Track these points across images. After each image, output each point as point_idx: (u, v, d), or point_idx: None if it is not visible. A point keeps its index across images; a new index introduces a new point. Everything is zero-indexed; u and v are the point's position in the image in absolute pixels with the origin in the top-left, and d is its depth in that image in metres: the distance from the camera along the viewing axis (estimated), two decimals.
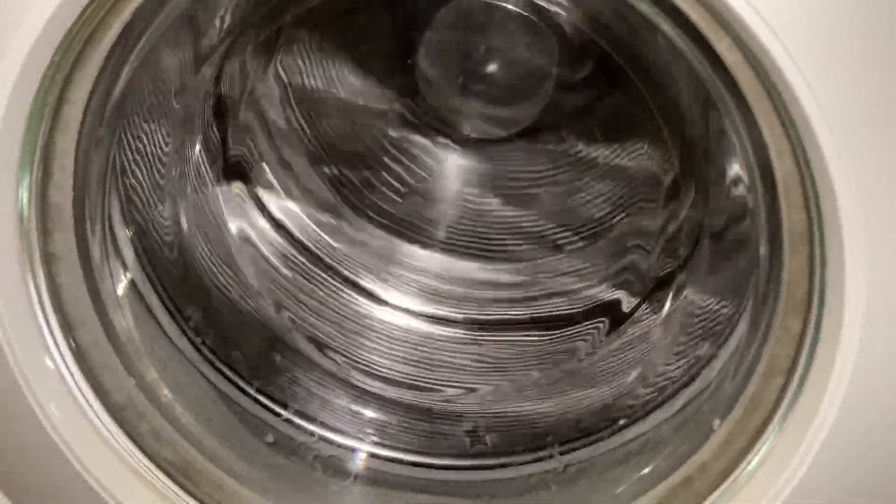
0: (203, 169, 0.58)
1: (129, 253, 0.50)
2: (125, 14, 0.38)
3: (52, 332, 0.43)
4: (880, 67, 0.31)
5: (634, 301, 0.60)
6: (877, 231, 0.33)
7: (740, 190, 0.45)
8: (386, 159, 0.65)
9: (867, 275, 0.34)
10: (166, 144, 0.54)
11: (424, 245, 0.66)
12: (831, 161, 0.32)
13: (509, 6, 0.58)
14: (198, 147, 0.57)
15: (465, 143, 0.65)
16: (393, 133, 0.65)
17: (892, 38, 0.31)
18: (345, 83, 0.63)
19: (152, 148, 0.52)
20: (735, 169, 0.45)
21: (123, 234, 0.50)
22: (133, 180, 0.51)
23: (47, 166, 0.41)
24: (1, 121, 0.37)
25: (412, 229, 0.66)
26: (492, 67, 0.61)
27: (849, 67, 0.31)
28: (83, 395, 0.44)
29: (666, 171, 0.59)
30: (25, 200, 0.40)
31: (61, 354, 0.43)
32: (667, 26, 0.36)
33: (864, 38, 0.31)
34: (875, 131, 0.32)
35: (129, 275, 0.50)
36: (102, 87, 0.41)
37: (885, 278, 0.34)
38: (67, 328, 0.44)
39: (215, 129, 0.58)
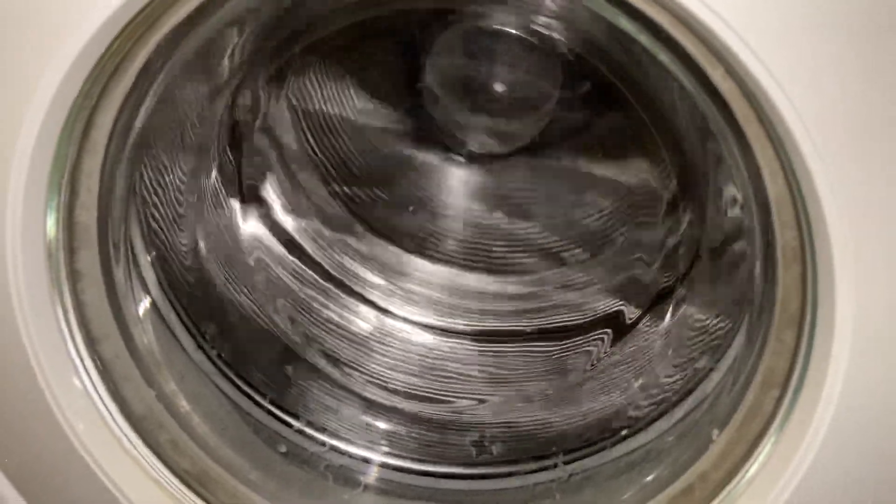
0: (219, 193, 0.60)
1: (149, 274, 0.52)
2: (150, 45, 0.40)
3: (76, 346, 0.45)
4: (864, 92, 0.33)
5: (636, 313, 0.62)
6: (864, 247, 0.35)
7: (736, 210, 0.47)
8: (395, 177, 0.67)
9: (856, 289, 0.35)
10: (184, 172, 0.56)
11: (433, 259, 0.67)
12: (819, 182, 0.34)
13: (510, 30, 0.60)
14: (214, 172, 0.59)
15: (471, 160, 0.67)
16: (402, 151, 0.67)
17: (874, 62, 0.33)
18: (354, 105, 0.65)
19: (171, 175, 0.55)
20: (731, 190, 0.47)
21: (144, 259, 0.52)
22: (153, 208, 0.53)
23: (74, 187, 0.43)
24: (33, 144, 0.39)
25: (421, 243, 0.67)
26: (495, 88, 0.63)
27: (834, 94, 0.33)
28: (106, 406, 0.46)
29: (665, 188, 0.61)
30: (53, 220, 0.42)
31: (85, 368, 0.45)
32: (664, 56, 0.38)
33: (848, 64, 0.33)
34: (860, 153, 0.34)
35: (149, 293, 0.52)
36: (127, 113, 0.43)
37: (872, 292, 0.35)
38: (91, 342, 0.45)
39: (230, 155, 0.60)
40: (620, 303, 0.64)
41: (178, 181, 0.55)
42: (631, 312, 0.62)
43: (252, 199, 0.63)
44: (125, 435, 0.46)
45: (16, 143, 0.38)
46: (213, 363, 0.56)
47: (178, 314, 0.54)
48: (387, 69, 0.64)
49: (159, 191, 0.54)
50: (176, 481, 0.47)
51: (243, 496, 0.50)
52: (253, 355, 0.59)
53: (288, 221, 0.64)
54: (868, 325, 0.36)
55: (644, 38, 0.38)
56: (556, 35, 0.57)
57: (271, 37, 0.55)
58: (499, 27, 0.60)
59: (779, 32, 0.32)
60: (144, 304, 0.51)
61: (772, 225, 0.38)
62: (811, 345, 0.38)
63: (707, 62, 0.36)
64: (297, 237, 0.65)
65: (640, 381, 0.58)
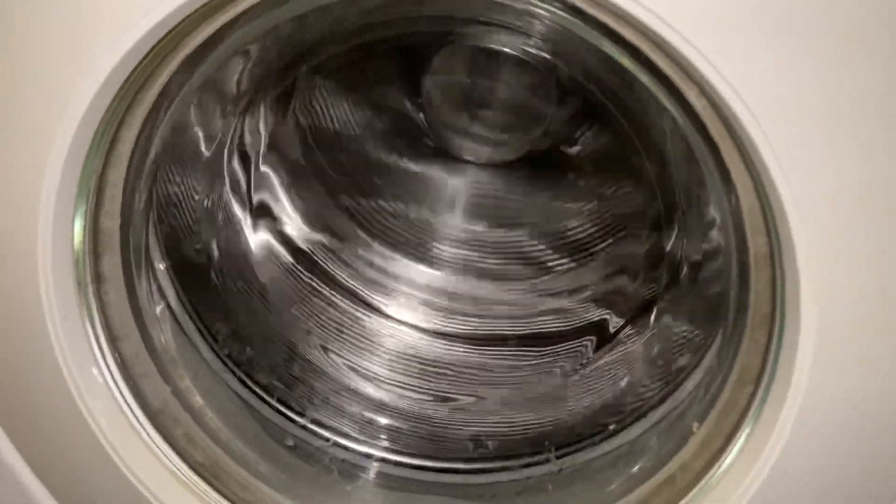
0: (231, 207, 0.63)
1: (165, 279, 0.55)
2: (170, 68, 0.43)
3: (99, 344, 0.48)
4: (826, 112, 0.36)
5: (620, 322, 0.65)
6: (826, 252, 0.38)
7: (715, 230, 0.49)
8: (396, 187, 0.70)
9: (819, 290, 0.38)
10: (198, 187, 0.59)
11: (432, 265, 0.71)
12: (783, 193, 0.37)
13: (506, 50, 0.63)
14: (226, 187, 0.62)
15: (469, 171, 0.70)
16: (403, 163, 0.70)
17: (835, 83, 0.36)
18: (358, 121, 0.68)
19: (186, 189, 0.58)
20: (711, 211, 0.49)
21: (160, 265, 0.55)
22: (169, 219, 0.56)
23: (100, 196, 0.46)
24: (65, 155, 0.42)
25: (421, 250, 0.71)
26: (491, 103, 0.66)
27: (798, 114, 0.36)
28: (125, 400, 0.49)
29: (650, 204, 0.63)
30: (80, 226, 0.45)
31: (107, 364, 0.48)
32: (645, 77, 0.41)
33: (810, 86, 0.36)
34: (821, 166, 0.37)
35: (165, 297, 0.55)
36: (148, 130, 0.46)
37: (834, 293, 0.38)
38: (112, 340, 0.48)
39: (240, 171, 0.64)
40: (605, 311, 0.66)
41: (192, 195, 0.58)
42: (615, 321, 0.65)
43: (261, 212, 0.66)
44: (143, 428, 0.49)
45: (49, 154, 0.41)
46: (224, 363, 0.59)
47: (190, 316, 0.57)
48: (389, 86, 0.67)
49: (175, 203, 0.57)
50: (190, 472, 0.50)
51: (253, 487, 0.52)
52: (261, 355, 0.62)
53: (295, 232, 0.67)
54: (830, 325, 0.39)
55: (626, 62, 0.41)
56: (548, 56, 0.60)
57: (276, 62, 0.57)
58: (495, 47, 0.63)
59: (746, 56, 0.36)
60: (161, 306, 0.54)
61: (744, 233, 0.42)
62: (780, 343, 0.41)
63: (683, 83, 0.39)
64: (303, 247, 0.68)
65: (625, 382, 0.61)
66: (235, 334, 0.60)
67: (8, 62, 0.40)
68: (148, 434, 0.49)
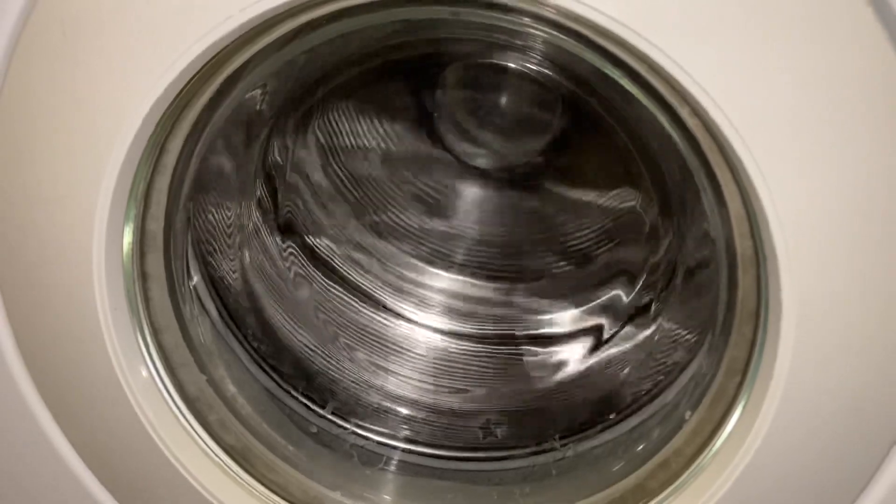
0: (259, 224, 0.67)
1: (201, 283, 0.59)
2: (209, 92, 0.47)
3: (143, 336, 0.51)
4: (803, 124, 0.40)
5: (618, 323, 0.68)
6: (803, 254, 0.41)
7: (707, 237, 0.52)
8: (411, 196, 0.74)
9: (798, 289, 0.42)
10: (229, 205, 0.63)
11: (445, 269, 0.74)
12: (765, 200, 0.41)
13: (511, 65, 0.67)
14: (254, 206, 0.66)
15: (477, 178, 0.74)
16: (418, 175, 0.74)
17: (813, 99, 0.39)
18: (373, 136, 0.71)
19: (219, 205, 0.61)
20: (704, 219, 0.51)
21: (196, 272, 0.59)
22: (204, 232, 0.60)
23: (147, 201, 0.50)
24: (121, 164, 0.46)
25: (435, 256, 0.74)
26: (498, 115, 0.70)
27: (777, 128, 0.40)
28: (166, 387, 0.52)
29: (648, 213, 0.67)
30: (129, 228, 0.49)
31: (150, 354, 0.52)
32: (642, 96, 0.45)
33: (788, 100, 0.39)
34: (799, 174, 0.41)
35: (199, 297, 0.59)
36: (189, 146, 0.50)
37: (811, 291, 0.42)
38: (155, 333, 0.52)
39: (267, 192, 0.67)
40: (604, 313, 0.70)
41: (224, 211, 0.62)
42: (614, 322, 0.69)
43: (288, 227, 0.70)
44: (181, 413, 0.53)
45: (107, 164, 0.45)
46: (252, 357, 0.63)
47: (222, 316, 0.62)
48: (402, 102, 0.71)
49: (209, 217, 0.60)
50: (223, 454, 0.54)
51: (280, 469, 0.56)
52: (287, 350, 0.66)
53: (319, 245, 0.71)
54: (809, 320, 0.42)
55: (625, 82, 0.45)
56: (550, 73, 0.64)
57: (294, 89, 0.61)
58: (501, 63, 0.66)
59: (731, 77, 0.40)
60: (197, 303, 0.59)
61: (733, 236, 0.46)
62: (765, 337, 0.45)
63: (677, 102, 0.42)
64: (326, 256, 0.72)
65: (623, 379, 0.65)
66: (263, 331, 0.65)
67: (76, 81, 0.45)
68: (186, 419, 0.53)
